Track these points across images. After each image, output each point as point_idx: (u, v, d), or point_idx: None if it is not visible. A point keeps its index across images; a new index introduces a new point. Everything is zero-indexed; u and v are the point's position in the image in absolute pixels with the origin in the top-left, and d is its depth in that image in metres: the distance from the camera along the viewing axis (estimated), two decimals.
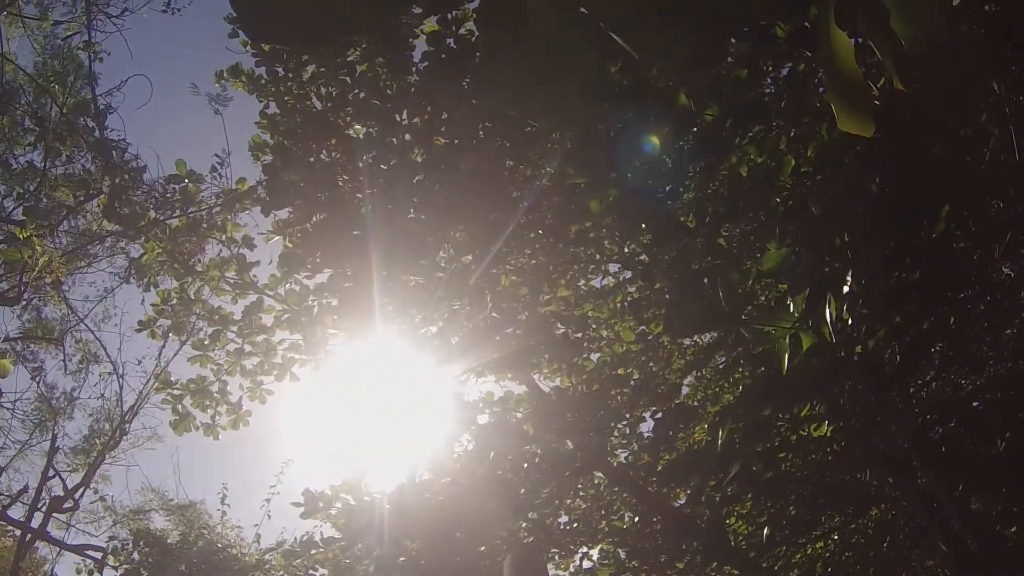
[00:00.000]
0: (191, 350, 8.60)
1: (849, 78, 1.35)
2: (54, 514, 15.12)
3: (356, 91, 7.07)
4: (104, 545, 14.86)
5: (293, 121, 7.29)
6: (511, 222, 7.02)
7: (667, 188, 5.19)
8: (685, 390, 8.96)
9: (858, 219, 4.15)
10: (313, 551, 9.05)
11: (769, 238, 4.66)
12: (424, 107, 6.86)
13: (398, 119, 6.95)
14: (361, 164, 7.15)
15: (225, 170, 9.25)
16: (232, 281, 8.44)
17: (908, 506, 5.59)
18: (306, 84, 7.21)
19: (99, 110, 11.24)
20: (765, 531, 6.23)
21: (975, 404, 5.86)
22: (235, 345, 8.34)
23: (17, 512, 15.22)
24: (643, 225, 5.77)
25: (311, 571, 10.06)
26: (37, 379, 14.96)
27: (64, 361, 14.48)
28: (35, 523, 14.89)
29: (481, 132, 6.81)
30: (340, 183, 7.37)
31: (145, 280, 8.59)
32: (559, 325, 7.81)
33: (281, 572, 12.48)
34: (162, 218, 9.55)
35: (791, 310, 4.02)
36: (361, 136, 7.26)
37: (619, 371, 8.31)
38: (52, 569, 17.28)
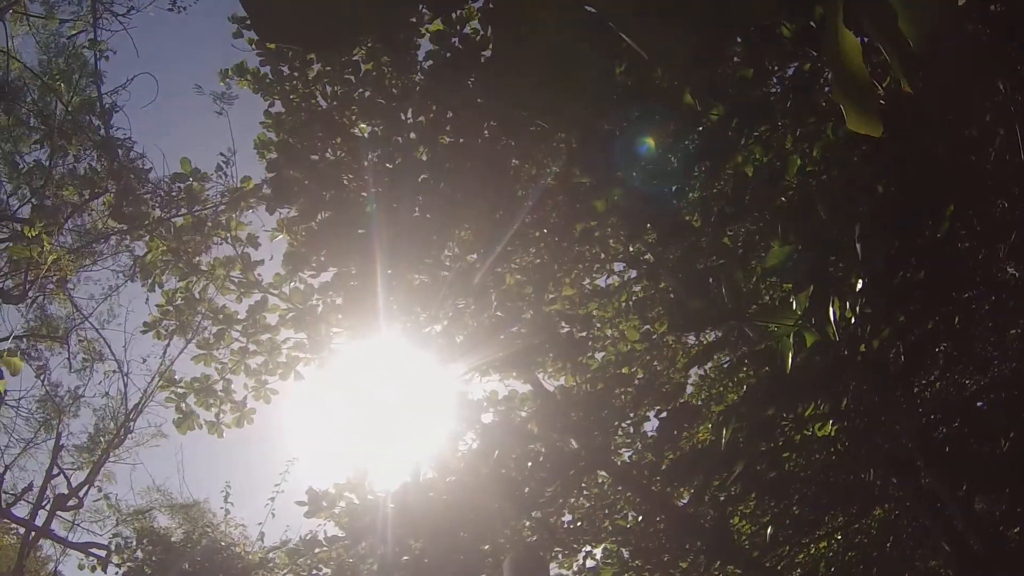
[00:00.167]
0: (196, 349, 8.64)
1: (857, 78, 1.35)
2: (58, 512, 15.15)
3: (361, 90, 7.09)
4: (108, 543, 14.91)
5: (298, 119, 7.30)
6: (516, 221, 7.03)
7: (672, 188, 5.19)
8: (690, 389, 8.97)
9: (862, 218, 4.15)
10: (317, 550, 9.08)
11: (773, 237, 4.65)
12: (429, 106, 6.87)
13: (403, 118, 6.96)
14: (366, 163, 7.16)
15: (230, 169, 9.33)
16: (237, 280, 8.46)
17: (912, 506, 5.58)
18: (311, 83, 7.22)
19: (104, 108, 11.28)
20: (769, 531, 6.22)
21: (979, 404, 5.85)
22: (239, 344, 8.37)
23: (21, 510, 15.29)
24: (648, 224, 5.77)
25: (315, 570, 10.10)
26: (42, 377, 15.02)
27: (69, 359, 14.54)
28: (39, 521, 14.93)
29: (486, 131, 6.82)
30: (345, 181, 7.38)
31: (150, 280, 8.61)
32: (563, 324, 7.82)
33: (285, 571, 12.52)
34: (167, 216, 9.58)
35: (794, 308, 4.03)
36: (366, 135, 7.27)
37: (623, 370, 8.32)
38: (56, 567, 17.37)
